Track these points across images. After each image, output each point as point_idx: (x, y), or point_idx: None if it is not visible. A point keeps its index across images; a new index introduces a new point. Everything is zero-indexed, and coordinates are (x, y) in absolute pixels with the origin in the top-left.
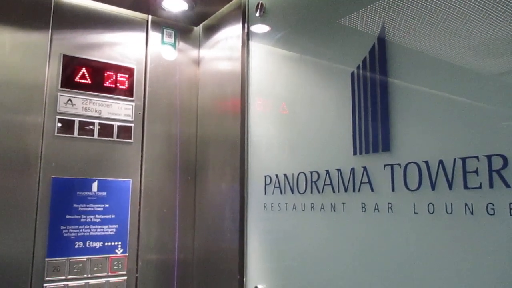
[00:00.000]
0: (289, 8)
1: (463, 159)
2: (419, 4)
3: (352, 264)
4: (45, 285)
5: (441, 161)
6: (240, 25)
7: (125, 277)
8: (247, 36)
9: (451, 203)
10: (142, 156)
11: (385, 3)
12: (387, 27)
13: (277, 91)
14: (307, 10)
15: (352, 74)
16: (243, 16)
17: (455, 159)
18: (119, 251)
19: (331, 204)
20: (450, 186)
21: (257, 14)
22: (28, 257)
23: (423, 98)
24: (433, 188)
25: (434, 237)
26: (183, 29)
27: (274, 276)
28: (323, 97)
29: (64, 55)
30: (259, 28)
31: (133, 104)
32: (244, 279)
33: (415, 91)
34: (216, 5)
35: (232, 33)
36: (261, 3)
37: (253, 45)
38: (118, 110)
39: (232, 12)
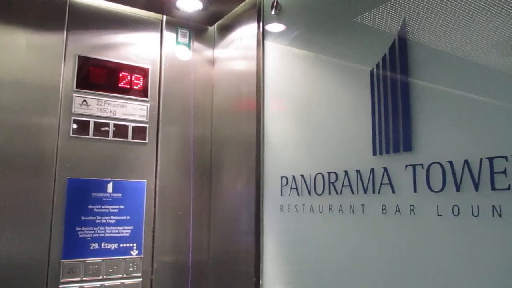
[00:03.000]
0: (305, 6)
1: (490, 159)
2: (440, 0)
3: (372, 267)
4: (60, 286)
5: (466, 161)
6: (255, 24)
7: (140, 279)
8: (262, 35)
9: (478, 205)
10: (157, 157)
11: None
12: (408, 23)
13: (293, 90)
14: (324, 7)
15: (372, 72)
16: (258, 15)
17: (481, 159)
18: (134, 253)
19: (350, 205)
20: (476, 187)
21: (273, 13)
22: (44, 258)
23: (446, 96)
24: (458, 189)
25: (459, 241)
26: (198, 29)
27: (290, 279)
28: (341, 96)
29: (79, 56)
30: (275, 27)
31: (148, 104)
32: (260, 282)
33: (438, 89)
34: (230, 4)
35: (247, 32)
36: (277, 1)
37: (269, 44)
38: (133, 110)
39: (247, 11)
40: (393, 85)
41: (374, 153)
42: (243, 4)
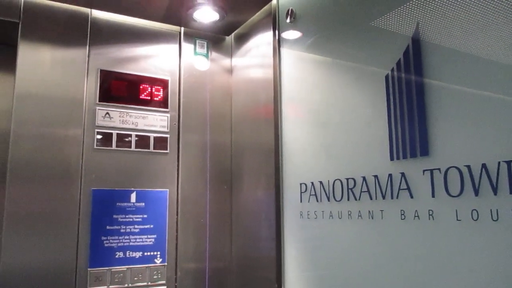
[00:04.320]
0: (319, 13)
1: (508, 163)
2: (454, 1)
3: (392, 273)
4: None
5: (484, 165)
6: (271, 32)
7: (165, 286)
8: (278, 43)
9: (497, 209)
10: (178, 166)
11: (418, 2)
12: (421, 27)
13: (310, 96)
14: (338, 14)
15: (387, 77)
16: (274, 23)
17: (499, 163)
18: (158, 261)
19: (369, 211)
20: (495, 191)
21: (288, 21)
22: (72, 267)
23: (462, 99)
24: (476, 193)
25: (479, 246)
26: (215, 39)
27: (312, 285)
28: (357, 101)
29: (101, 70)
30: (290, 34)
31: (168, 115)
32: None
33: (454, 92)
34: (246, 14)
35: (263, 40)
36: (292, 10)
37: (285, 51)
38: (154, 121)
39: (263, 20)
40: (408, 90)
41: (392, 159)
42: (258, 13)
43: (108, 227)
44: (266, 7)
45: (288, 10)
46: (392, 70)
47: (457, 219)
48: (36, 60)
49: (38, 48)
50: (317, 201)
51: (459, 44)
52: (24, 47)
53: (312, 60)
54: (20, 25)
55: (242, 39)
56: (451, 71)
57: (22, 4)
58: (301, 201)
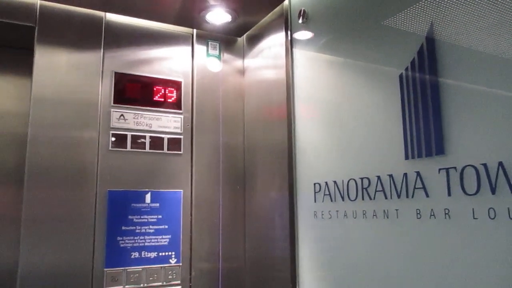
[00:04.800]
0: (332, 13)
1: None
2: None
3: (407, 273)
4: None
5: (500, 163)
6: (283, 33)
7: (180, 286)
8: (290, 44)
9: None
10: (192, 167)
11: (432, 1)
12: (435, 25)
13: (323, 96)
14: (350, 13)
15: (401, 76)
16: (286, 24)
17: None
18: (172, 261)
19: (384, 211)
20: None
21: (300, 21)
22: (88, 267)
23: (478, 98)
24: (493, 192)
25: (496, 244)
26: (227, 41)
27: (326, 285)
28: (371, 101)
29: (115, 73)
30: (302, 35)
31: (182, 116)
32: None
33: (469, 91)
34: (258, 15)
35: (275, 41)
36: (304, 10)
37: (297, 52)
38: (168, 123)
39: (275, 21)
40: (423, 89)
41: (407, 158)
42: (270, 14)
43: (123, 228)
44: (278, 8)
45: (300, 11)
46: (407, 69)
47: (474, 218)
48: (52, 63)
49: (54, 51)
50: (331, 200)
51: (474, 43)
52: (41, 51)
53: (325, 60)
54: (36, 30)
55: (254, 40)
56: (466, 70)
57: (38, 9)
58: (315, 201)
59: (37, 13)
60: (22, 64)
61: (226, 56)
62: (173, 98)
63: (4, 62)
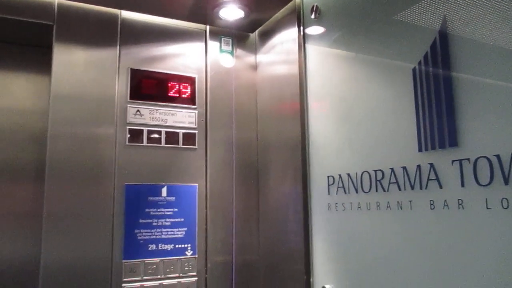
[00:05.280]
0: (344, 8)
1: None
2: None
3: (421, 263)
4: (123, 285)
5: None
6: (295, 29)
7: (196, 278)
8: (303, 39)
9: None
10: (206, 161)
11: None
12: (448, 19)
13: (336, 91)
14: (363, 8)
15: (414, 70)
16: (298, 19)
17: None
18: (188, 253)
19: (398, 202)
20: None
21: (312, 17)
22: (107, 260)
23: (490, 90)
24: (506, 182)
25: (509, 233)
26: (240, 36)
27: (341, 276)
28: (384, 94)
29: (131, 69)
30: (315, 30)
31: (196, 111)
32: (311, 279)
33: (482, 83)
34: (271, 11)
35: (288, 36)
36: (316, 6)
37: (309, 47)
38: (182, 118)
39: (287, 17)
40: (436, 82)
41: (420, 150)
42: (283, 10)
43: (141, 221)
44: (290, 4)
45: (313, 7)
46: (420, 63)
47: (487, 208)
48: (70, 61)
49: (71, 49)
50: (345, 193)
51: (486, 36)
52: (59, 48)
53: (337, 55)
54: (54, 28)
55: (266, 35)
56: (479, 63)
57: (56, 7)
58: (328, 193)
59: (55, 12)
60: (41, 62)
61: (239, 51)
62: (187, 94)
63: (24, 60)
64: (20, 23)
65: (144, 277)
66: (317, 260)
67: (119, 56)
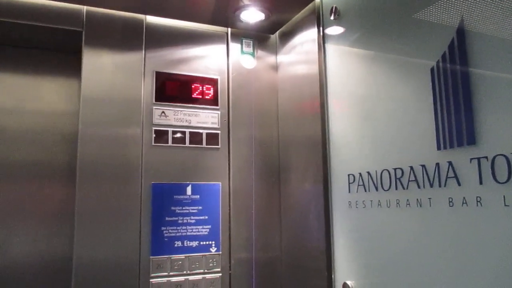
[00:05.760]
0: (363, 8)
1: None
2: None
3: (440, 259)
4: (151, 280)
5: None
6: (315, 29)
7: (220, 274)
8: (322, 39)
9: None
10: (229, 161)
11: None
12: (466, 17)
13: (355, 90)
14: (382, 8)
15: (432, 69)
16: (318, 20)
17: None
18: (213, 250)
19: (417, 199)
20: None
21: (332, 18)
22: (136, 256)
23: (508, 88)
24: None
25: None
26: (260, 38)
27: (362, 272)
28: (403, 93)
29: (156, 72)
30: (334, 30)
31: (219, 112)
32: (333, 276)
33: (500, 81)
34: (290, 13)
35: (307, 37)
36: (335, 7)
37: (329, 47)
38: (206, 118)
39: (307, 18)
40: (454, 81)
41: (439, 148)
42: (302, 11)
43: (167, 218)
44: (309, 6)
45: (332, 8)
46: (438, 62)
47: (505, 205)
48: (98, 65)
49: (100, 54)
50: (365, 191)
51: (505, 34)
52: (88, 53)
53: (357, 54)
54: (83, 33)
55: (286, 36)
56: (497, 61)
57: (85, 14)
58: (349, 191)
59: (84, 18)
60: (71, 67)
61: (259, 53)
62: (210, 95)
63: (54, 65)
64: (51, 30)
65: (171, 273)
66: (338, 256)
67: (145, 60)
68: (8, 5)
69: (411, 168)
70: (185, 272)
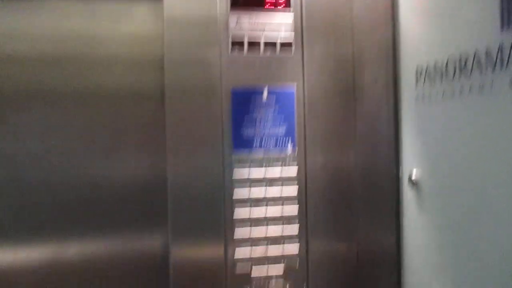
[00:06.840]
0: None
1: None
2: None
3: (501, 145)
4: (234, 168)
5: None
6: None
7: (297, 167)
8: None
9: None
10: (303, 66)
11: None
12: None
13: None
14: None
15: None
16: None
17: None
18: (289, 146)
19: (479, 85)
20: None
21: None
22: (219, 150)
23: None
24: None
25: None
26: None
27: (427, 160)
28: None
29: None
30: None
31: (292, 18)
32: (400, 167)
33: None
34: None
35: None
36: None
37: None
38: (279, 26)
39: None
40: None
41: (502, 29)
42: None
43: (245, 117)
44: None
45: None
46: None
47: None
48: None
49: None
50: (432, 82)
51: None
52: None
53: None
54: None
55: None
56: None
57: None
58: (416, 84)
59: None
60: None
61: None
62: (283, 0)
63: None
64: None
65: (251, 168)
66: (405, 146)
67: None
68: None
69: (475, 52)
70: (264, 165)
